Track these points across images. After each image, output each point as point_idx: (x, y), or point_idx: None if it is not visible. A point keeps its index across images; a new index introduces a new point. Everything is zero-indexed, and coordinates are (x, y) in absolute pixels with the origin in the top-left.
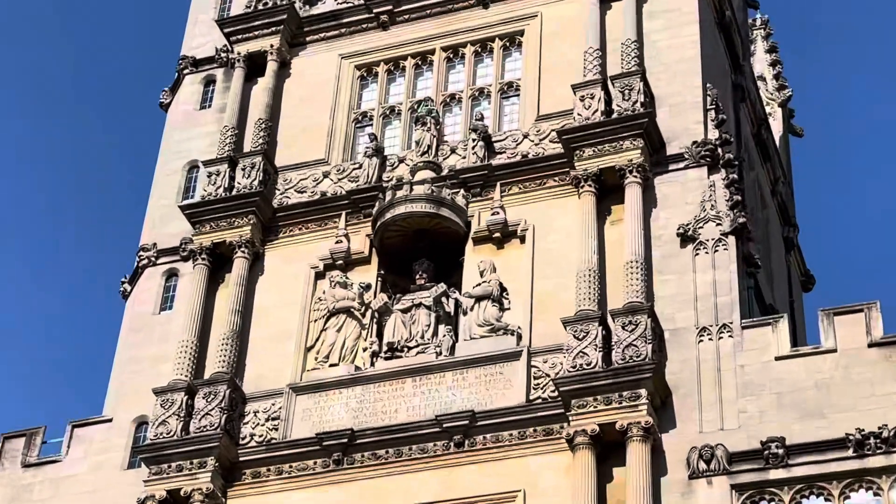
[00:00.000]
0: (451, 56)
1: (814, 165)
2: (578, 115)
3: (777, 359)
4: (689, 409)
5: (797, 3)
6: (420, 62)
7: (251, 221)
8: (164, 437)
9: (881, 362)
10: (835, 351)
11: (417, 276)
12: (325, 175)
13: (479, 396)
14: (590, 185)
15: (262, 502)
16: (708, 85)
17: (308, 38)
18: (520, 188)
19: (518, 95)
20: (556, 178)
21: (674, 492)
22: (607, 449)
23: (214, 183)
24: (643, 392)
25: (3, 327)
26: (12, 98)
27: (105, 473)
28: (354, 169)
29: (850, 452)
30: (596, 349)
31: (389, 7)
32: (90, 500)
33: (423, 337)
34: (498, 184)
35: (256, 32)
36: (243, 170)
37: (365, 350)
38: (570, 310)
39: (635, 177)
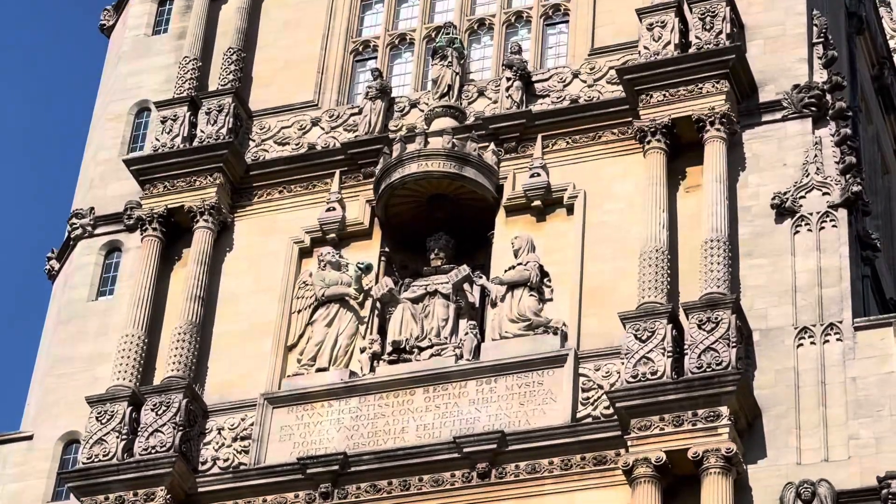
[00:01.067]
0: None
1: None
2: (645, 48)
3: None
4: (783, 434)
5: None
6: None
7: (217, 181)
8: (100, 461)
9: None
10: None
11: (433, 256)
12: (315, 122)
13: (510, 413)
14: (659, 141)
15: None
16: (815, 12)
17: None
18: (567, 143)
19: (566, 22)
20: (616, 131)
21: None
22: (677, 483)
23: (170, 131)
24: (724, 410)
25: None
26: None
27: None
28: (353, 115)
29: None
30: (664, 354)
31: None
32: None
33: (438, 335)
34: (539, 137)
35: None
36: (208, 114)
37: (363, 351)
38: (631, 302)
39: (718, 130)
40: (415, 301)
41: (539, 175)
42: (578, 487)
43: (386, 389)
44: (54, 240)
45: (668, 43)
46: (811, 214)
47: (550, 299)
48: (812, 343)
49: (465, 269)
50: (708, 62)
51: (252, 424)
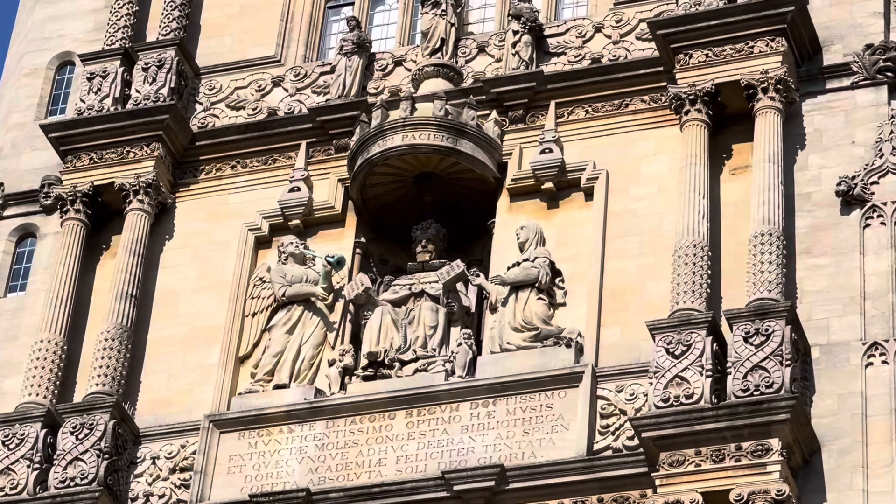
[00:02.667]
0: None
1: None
2: None
3: None
4: (847, 473)
5: None
6: None
7: (156, 153)
8: (6, 495)
9: None
10: None
11: (419, 249)
12: (277, 82)
13: (512, 444)
14: (699, 111)
15: None
16: None
17: None
18: (587, 112)
19: None
20: (646, 98)
21: None
22: None
23: (98, 90)
24: (775, 443)
25: None
26: None
27: None
28: (323, 74)
29: None
30: (702, 373)
31: None
32: None
33: (424, 346)
34: (552, 104)
35: None
36: (145, 70)
37: (332, 364)
38: (663, 309)
39: (773, 98)
40: (396, 304)
41: (551, 151)
42: None
43: (359, 412)
44: None
45: None
46: (885, 204)
47: (563, 304)
48: (884, 362)
49: (458, 266)
50: (761, 15)
51: (194, 453)
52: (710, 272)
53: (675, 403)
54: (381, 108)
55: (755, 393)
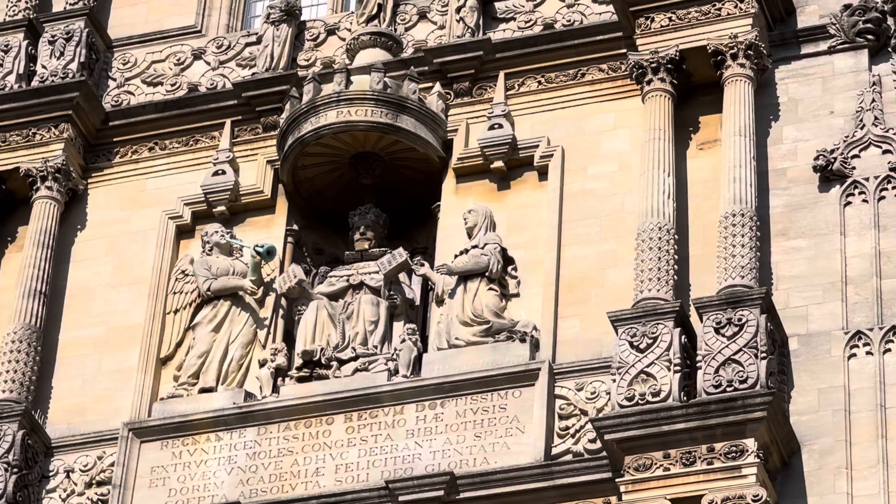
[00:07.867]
0: None
1: None
2: None
3: None
4: (830, 476)
5: None
6: None
7: (65, 135)
8: None
9: None
10: None
11: (358, 236)
12: (197, 55)
13: (462, 449)
14: (663, 80)
15: None
16: None
17: None
18: (540, 83)
19: None
20: (604, 67)
21: None
22: None
23: (0, 66)
24: (751, 444)
25: None
26: None
27: None
28: (249, 45)
29: None
30: (669, 368)
31: None
32: None
33: (365, 343)
34: (501, 75)
35: None
36: (52, 43)
37: (263, 365)
38: (626, 299)
39: (742, 65)
40: (333, 297)
41: (501, 126)
42: None
43: (294, 417)
44: None
45: None
46: (867, 180)
47: (517, 294)
48: (868, 353)
49: (401, 255)
50: None
51: (112, 465)
52: (676, 257)
53: (640, 402)
54: (313, 82)
55: (728, 389)
